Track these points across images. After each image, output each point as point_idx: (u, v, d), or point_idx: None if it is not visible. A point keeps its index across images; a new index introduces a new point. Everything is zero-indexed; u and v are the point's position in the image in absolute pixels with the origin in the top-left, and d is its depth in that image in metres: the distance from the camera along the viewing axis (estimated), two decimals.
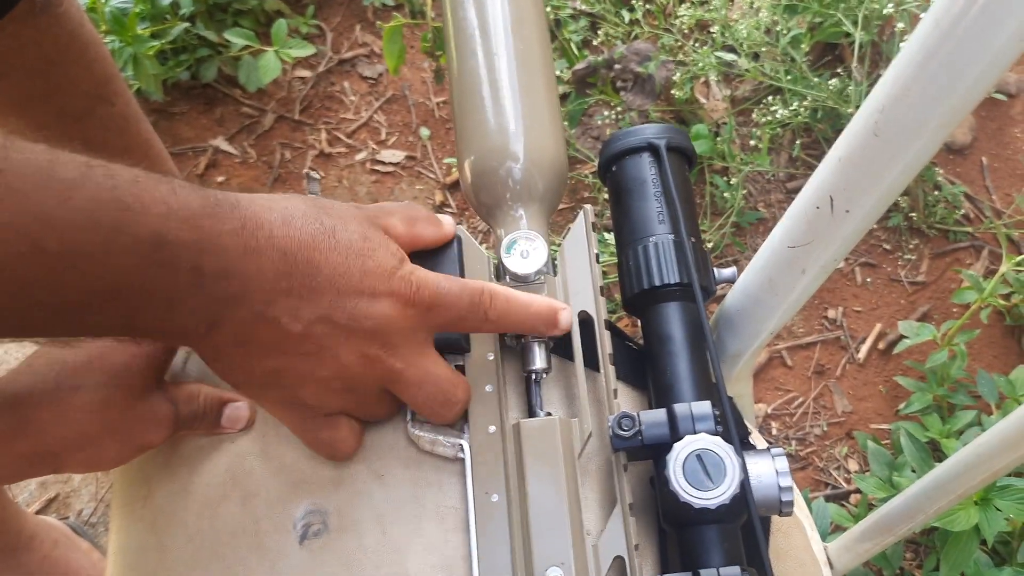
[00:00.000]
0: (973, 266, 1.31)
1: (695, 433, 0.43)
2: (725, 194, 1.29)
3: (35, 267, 0.32)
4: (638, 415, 0.44)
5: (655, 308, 0.49)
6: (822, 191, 0.44)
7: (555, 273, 0.51)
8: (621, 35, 1.39)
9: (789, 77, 1.28)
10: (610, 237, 1.15)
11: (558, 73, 1.36)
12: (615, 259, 0.52)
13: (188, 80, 1.47)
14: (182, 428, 0.48)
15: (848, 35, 1.30)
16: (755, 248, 1.32)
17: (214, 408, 0.49)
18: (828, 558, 0.65)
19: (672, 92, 1.28)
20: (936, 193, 1.33)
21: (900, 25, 1.24)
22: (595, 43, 1.43)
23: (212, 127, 1.47)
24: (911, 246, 1.33)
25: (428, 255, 0.49)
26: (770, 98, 1.28)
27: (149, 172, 0.36)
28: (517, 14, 0.56)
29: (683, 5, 1.30)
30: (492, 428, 0.47)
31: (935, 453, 1.08)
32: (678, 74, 1.27)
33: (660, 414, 0.44)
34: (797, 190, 1.35)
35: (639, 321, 0.51)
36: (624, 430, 0.44)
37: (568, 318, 0.47)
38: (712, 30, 1.30)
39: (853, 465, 1.19)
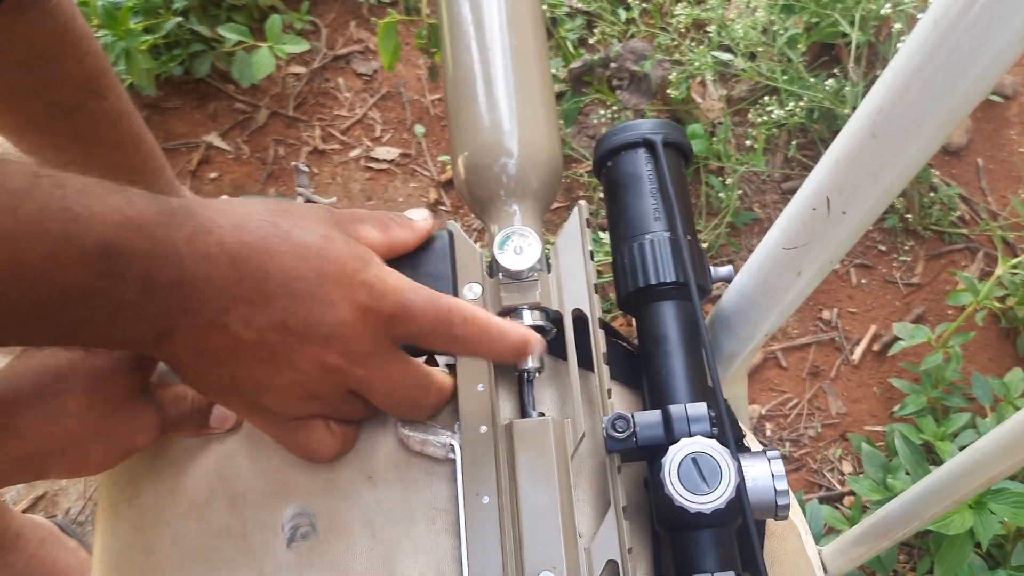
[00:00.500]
0: (968, 268, 1.31)
1: (690, 435, 0.42)
2: (720, 194, 1.29)
3: None
4: (632, 416, 0.43)
5: (650, 307, 0.49)
6: (819, 193, 0.44)
7: (549, 270, 0.50)
8: (617, 34, 1.39)
9: (785, 77, 1.27)
10: (604, 236, 1.15)
11: (554, 71, 1.36)
12: (610, 258, 0.52)
13: (181, 75, 1.46)
14: (169, 430, 0.47)
15: (845, 35, 1.30)
16: (750, 248, 1.31)
17: (202, 409, 0.48)
18: (823, 562, 0.64)
19: (668, 91, 1.27)
20: (932, 195, 1.33)
21: (897, 26, 1.24)
22: (591, 41, 1.42)
23: (205, 123, 1.46)
24: (906, 248, 1.32)
25: (418, 254, 0.48)
26: (766, 98, 1.28)
27: (102, 181, 0.35)
28: (513, 11, 0.56)
29: (679, 4, 1.30)
30: (484, 428, 0.46)
31: (929, 455, 1.07)
32: (674, 73, 1.26)
33: (655, 415, 0.43)
34: (792, 191, 1.35)
35: (634, 320, 0.51)
36: (618, 431, 0.43)
37: (540, 351, 0.45)
38: (708, 29, 1.29)
39: (847, 467, 1.19)
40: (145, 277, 0.35)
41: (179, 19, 1.38)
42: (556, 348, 0.49)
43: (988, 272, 1.30)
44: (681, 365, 0.47)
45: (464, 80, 0.54)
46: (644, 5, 1.34)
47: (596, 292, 0.49)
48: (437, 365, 0.49)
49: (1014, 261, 1.17)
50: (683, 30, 1.34)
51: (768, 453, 0.44)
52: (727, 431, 0.43)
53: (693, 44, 1.32)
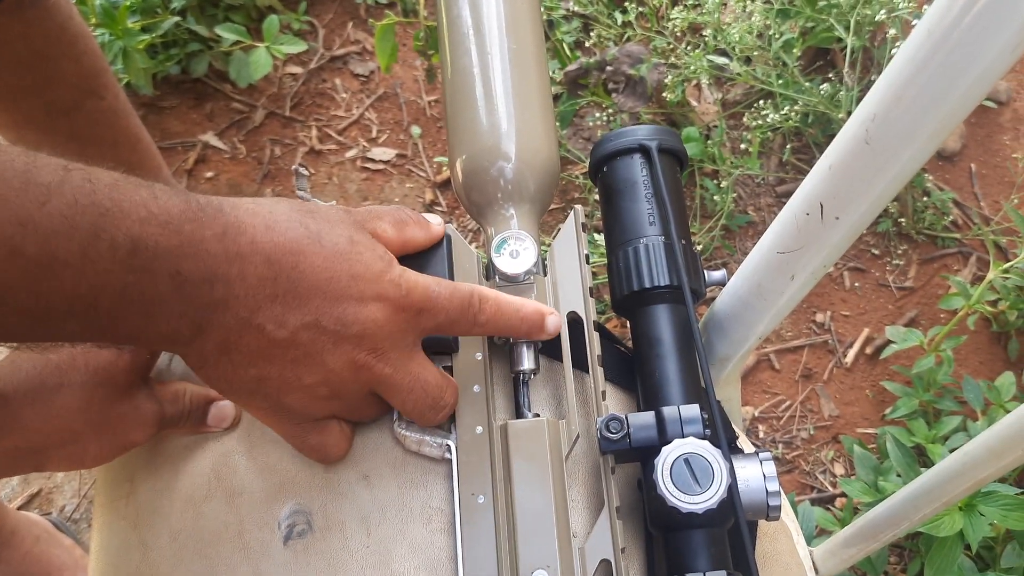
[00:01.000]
0: (961, 272, 1.32)
1: (683, 437, 0.42)
2: (715, 197, 1.29)
3: (13, 272, 0.32)
4: (626, 418, 0.44)
5: (644, 310, 0.49)
6: (812, 198, 0.44)
7: (545, 273, 0.51)
8: (614, 37, 1.39)
9: (781, 81, 1.28)
10: (600, 238, 1.15)
11: (550, 74, 1.36)
12: (604, 259, 0.52)
13: (178, 74, 1.46)
14: (167, 427, 0.47)
15: (840, 40, 1.31)
16: (744, 251, 1.32)
17: (200, 407, 0.49)
18: (813, 563, 0.65)
19: (664, 95, 1.28)
20: (925, 199, 1.33)
21: (892, 31, 1.25)
22: (588, 44, 1.43)
23: (202, 122, 1.47)
24: (899, 251, 1.33)
25: (417, 255, 0.48)
26: (761, 102, 1.28)
27: (129, 176, 0.35)
28: (512, 14, 0.56)
29: (676, 8, 1.30)
30: (479, 429, 0.46)
31: (920, 458, 1.08)
32: (670, 77, 1.27)
33: (648, 417, 0.44)
34: (787, 194, 1.35)
35: (628, 322, 0.51)
36: (612, 432, 0.44)
37: (556, 323, 0.47)
38: (704, 33, 1.30)
39: (839, 469, 1.19)
40: (175, 273, 0.35)
41: (177, 18, 1.38)
42: (551, 350, 0.50)
43: (980, 276, 1.30)
44: (674, 367, 0.47)
45: (462, 84, 0.55)
46: (640, 9, 1.35)
47: (591, 295, 0.50)
48: None
49: (1006, 266, 1.18)
50: (679, 34, 1.34)
51: (760, 455, 0.44)
52: (719, 432, 0.43)
53: (689, 48, 1.33)
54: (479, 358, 0.48)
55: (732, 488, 0.41)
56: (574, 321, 0.49)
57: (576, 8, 1.44)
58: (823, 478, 1.19)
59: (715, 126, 1.33)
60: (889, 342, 1.19)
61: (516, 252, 0.50)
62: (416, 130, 1.46)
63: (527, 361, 0.48)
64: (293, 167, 1.40)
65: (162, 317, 0.36)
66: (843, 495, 1.15)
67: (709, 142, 1.29)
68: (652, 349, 0.48)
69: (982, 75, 0.35)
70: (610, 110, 1.32)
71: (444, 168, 1.43)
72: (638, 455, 0.44)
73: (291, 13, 1.54)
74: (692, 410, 0.44)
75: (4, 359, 0.44)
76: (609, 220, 0.52)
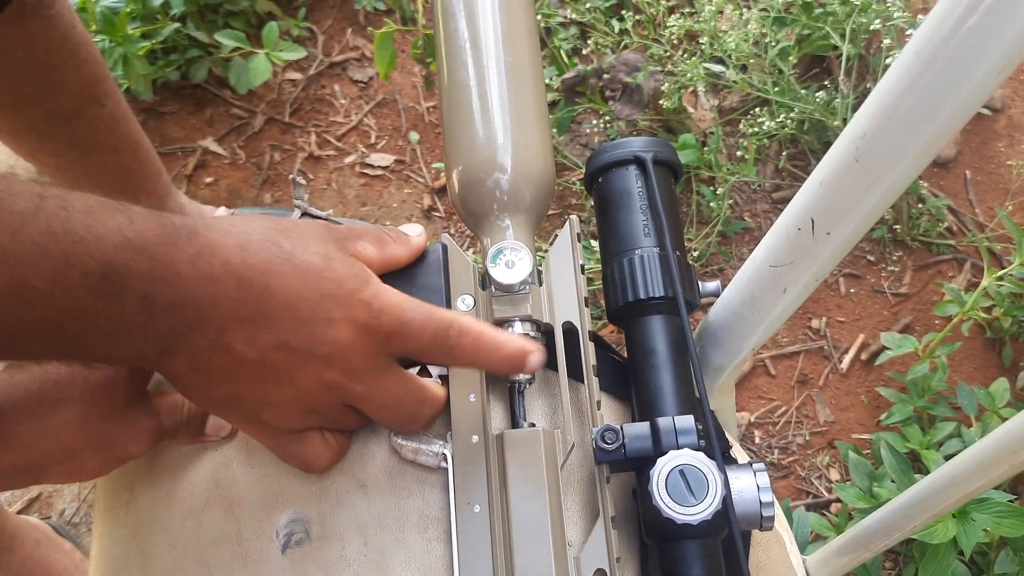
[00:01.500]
0: (955, 279, 1.32)
1: (678, 447, 0.43)
2: (711, 203, 1.30)
3: None
4: (621, 428, 0.44)
5: (639, 321, 0.50)
6: (803, 213, 0.45)
7: (540, 283, 0.51)
8: (611, 44, 1.40)
9: (776, 89, 1.29)
10: (596, 244, 1.16)
11: (547, 81, 1.37)
12: (600, 266, 0.53)
13: (178, 80, 1.47)
14: (165, 438, 0.48)
15: (836, 48, 1.31)
16: (740, 257, 1.32)
17: (198, 416, 0.49)
18: (807, 571, 0.65)
19: (660, 102, 1.28)
20: (920, 206, 1.34)
21: (887, 40, 1.25)
22: (585, 52, 1.43)
23: (201, 128, 1.47)
24: (894, 258, 1.34)
25: (413, 266, 0.49)
26: (757, 109, 1.29)
27: (106, 200, 0.36)
28: (508, 26, 0.57)
29: (672, 16, 1.31)
30: (475, 438, 0.47)
31: (915, 464, 1.09)
32: (666, 84, 1.28)
33: (643, 427, 0.44)
34: (783, 200, 1.36)
35: (623, 331, 0.52)
36: (607, 443, 0.44)
37: (539, 361, 0.45)
38: (701, 41, 1.31)
39: (834, 474, 1.20)
40: (145, 297, 0.36)
41: (177, 25, 1.39)
42: (547, 360, 0.50)
43: (975, 283, 1.31)
44: (669, 378, 0.48)
45: (459, 95, 0.55)
46: (637, 16, 1.35)
47: (586, 305, 0.50)
48: (430, 376, 0.50)
49: (1000, 272, 1.18)
50: (676, 41, 1.35)
51: (754, 465, 0.45)
52: (714, 443, 0.44)
53: (685, 55, 1.33)
54: None
55: (726, 499, 0.42)
56: (569, 331, 0.50)
57: (573, 15, 1.45)
58: (818, 483, 1.19)
59: (711, 133, 1.33)
60: (884, 348, 1.19)
61: (512, 263, 0.50)
62: (414, 136, 1.47)
63: (531, 366, 0.48)
64: (290, 176, 1.41)
65: (129, 339, 0.37)
66: (838, 501, 1.15)
67: (705, 149, 1.30)
68: (647, 360, 0.49)
69: (970, 96, 0.35)
70: (607, 117, 1.33)
71: (442, 174, 1.43)
72: (633, 465, 0.45)
73: (290, 19, 1.54)
74: (687, 421, 0.44)
75: (2, 373, 0.44)
76: (604, 231, 0.53)
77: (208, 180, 1.43)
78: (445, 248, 0.51)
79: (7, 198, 0.33)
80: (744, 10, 1.31)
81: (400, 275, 0.49)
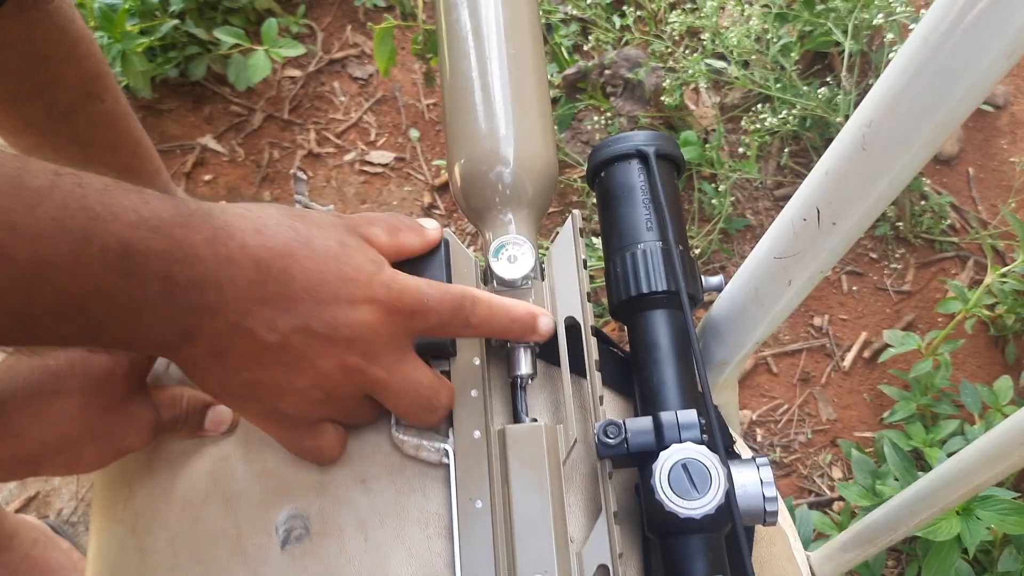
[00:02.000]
0: (958, 276, 1.32)
1: (681, 442, 0.43)
2: (713, 200, 1.29)
3: (3, 276, 0.32)
4: (624, 423, 0.44)
5: (642, 315, 0.49)
6: (809, 203, 0.45)
7: (542, 278, 0.51)
8: (612, 41, 1.40)
9: (778, 85, 1.28)
10: (597, 241, 1.15)
11: (549, 77, 1.36)
12: (602, 263, 0.52)
13: (177, 77, 1.46)
14: (164, 432, 0.47)
15: (838, 44, 1.31)
16: (742, 255, 1.32)
17: (197, 411, 0.48)
18: (811, 567, 0.65)
19: (662, 98, 1.28)
20: (923, 203, 1.34)
21: (889, 35, 1.25)
22: (586, 48, 1.43)
23: (200, 125, 1.47)
24: (897, 255, 1.33)
25: (414, 260, 0.48)
26: (759, 106, 1.28)
27: (120, 181, 0.35)
28: (511, 18, 0.56)
29: (674, 12, 1.30)
30: (477, 433, 0.46)
31: (918, 462, 1.08)
32: (668, 80, 1.27)
33: (646, 422, 0.44)
34: (784, 197, 1.36)
35: (625, 326, 0.51)
36: (610, 438, 0.44)
37: (548, 324, 0.47)
38: (702, 37, 1.30)
39: (837, 473, 1.20)
40: (165, 277, 0.35)
41: (175, 22, 1.39)
42: (549, 355, 0.50)
43: (978, 280, 1.31)
44: (672, 373, 0.47)
45: (461, 88, 0.55)
46: (639, 12, 1.35)
47: (588, 300, 0.50)
48: None
49: (1003, 270, 1.18)
50: (677, 38, 1.34)
51: (757, 460, 0.44)
52: (717, 438, 0.43)
53: (687, 52, 1.33)
54: (476, 363, 0.48)
55: (729, 494, 0.42)
56: (572, 326, 0.49)
57: (575, 12, 1.45)
58: (821, 482, 1.19)
59: (713, 130, 1.33)
60: (887, 346, 1.19)
61: (514, 257, 0.50)
62: (415, 133, 1.47)
63: (524, 366, 0.48)
64: (291, 172, 1.41)
65: (152, 321, 0.36)
66: (841, 499, 1.15)
67: (707, 146, 1.29)
68: (650, 354, 0.48)
69: (977, 81, 0.35)
70: (608, 114, 1.33)
71: (442, 171, 1.43)
72: (636, 460, 0.45)
73: (290, 16, 1.54)
74: (690, 415, 0.44)
75: (1, 364, 0.44)
76: (607, 225, 0.52)
77: (207, 178, 1.42)
78: (447, 243, 0.50)
79: (23, 175, 0.32)
80: (746, 6, 1.31)
81: (402, 268, 0.48)
